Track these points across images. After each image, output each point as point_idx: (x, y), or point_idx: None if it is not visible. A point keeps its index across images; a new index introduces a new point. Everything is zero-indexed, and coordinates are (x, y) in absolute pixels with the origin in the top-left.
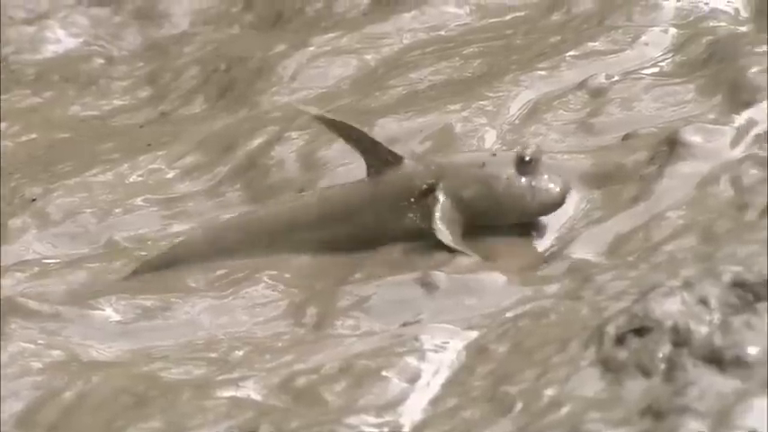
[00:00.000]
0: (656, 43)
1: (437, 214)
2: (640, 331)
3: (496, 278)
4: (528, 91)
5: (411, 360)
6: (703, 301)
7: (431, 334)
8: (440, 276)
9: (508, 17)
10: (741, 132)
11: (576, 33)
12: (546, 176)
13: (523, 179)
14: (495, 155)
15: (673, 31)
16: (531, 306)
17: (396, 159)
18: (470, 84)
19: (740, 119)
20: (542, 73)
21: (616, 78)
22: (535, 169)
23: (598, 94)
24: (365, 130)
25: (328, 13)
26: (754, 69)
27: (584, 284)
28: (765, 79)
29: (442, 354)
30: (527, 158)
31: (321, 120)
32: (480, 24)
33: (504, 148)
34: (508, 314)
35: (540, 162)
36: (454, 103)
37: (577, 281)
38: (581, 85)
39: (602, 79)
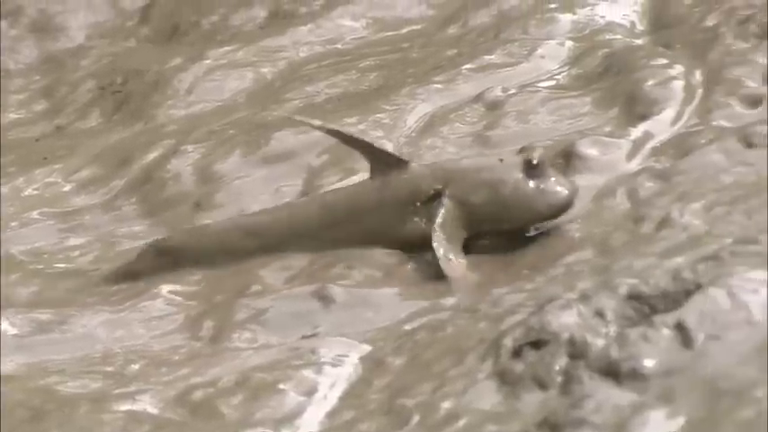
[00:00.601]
0: (552, 56)
1: (439, 220)
2: (537, 344)
3: (394, 291)
4: (424, 104)
5: (308, 373)
6: (600, 314)
7: (328, 347)
8: (337, 290)
9: (404, 30)
10: (637, 145)
11: (472, 47)
12: (553, 179)
13: (531, 182)
14: (501, 159)
15: (569, 44)
16: (428, 319)
17: (401, 164)
18: (367, 97)
19: (636, 131)
20: (438, 86)
21: (512, 91)
22: (543, 172)
23: (494, 107)
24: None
25: (224, 27)
26: (650, 82)
27: (482, 298)
28: (661, 92)
29: (339, 367)
30: (534, 162)
31: (322, 129)
32: (376, 38)
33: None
34: (405, 327)
35: (547, 165)
36: (351, 116)
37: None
38: (477, 98)
39: (498, 92)
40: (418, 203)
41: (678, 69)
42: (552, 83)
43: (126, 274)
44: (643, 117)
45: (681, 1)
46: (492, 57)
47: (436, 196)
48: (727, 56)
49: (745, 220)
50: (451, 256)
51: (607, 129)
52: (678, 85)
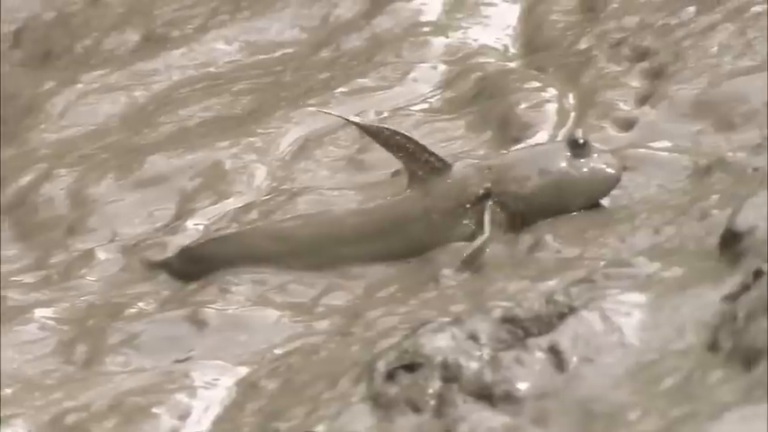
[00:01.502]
0: (425, 80)
1: (487, 218)
2: (410, 367)
3: (267, 314)
4: (298, 127)
5: (181, 397)
6: (473, 337)
7: (201, 371)
8: (210, 313)
9: (278, 54)
10: None
11: (345, 70)
12: (597, 155)
13: (582, 162)
14: (544, 146)
15: (442, 67)
16: (302, 343)
17: (445, 166)
18: (240, 120)
19: None
20: (312, 110)
21: (385, 115)
22: (590, 150)
23: None
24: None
25: (97, 51)
26: (523, 105)
27: (355, 320)
28: (534, 115)
29: (212, 390)
30: (581, 140)
31: (363, 128)
32: (250, 61)
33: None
34: (279, 351)
35: (591, 143)
36: (224, 140)
37: (348, 317)
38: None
39: (371, 116)
40: (468, 205)
41: (551, 92)
42: (425, 106)
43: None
44: (516, 140)
45: (553, 24)
46: (365, 80)
47: (486, 196)
48: (600, 79)
49: (618, 242)
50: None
51: (481, 152)
52: (551, 108)
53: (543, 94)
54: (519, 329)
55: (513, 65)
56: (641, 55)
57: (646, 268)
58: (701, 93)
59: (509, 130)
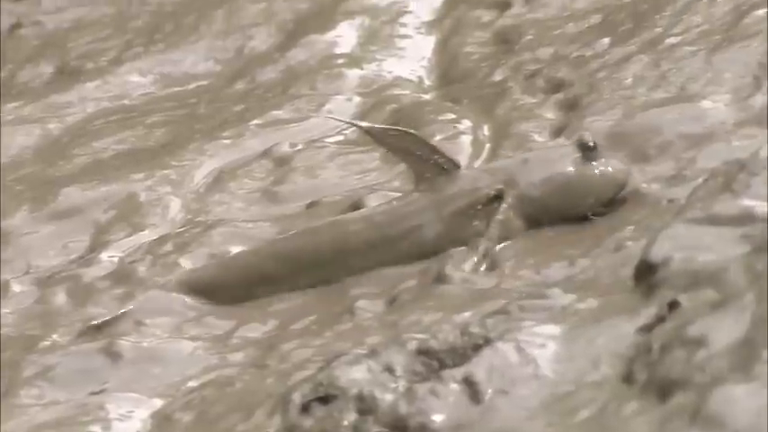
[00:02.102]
0: (340, 112)
1: (499, 216)
2: (325, 399)
3: (182, 347)
4: (212, 159)
5: (96, 429)
6: (389, 369)
7: (116, 403)
8: (125, 345)
9: (192, 86)
10: None
11: (259, 102)
12: (605, 159)
13: (592, 165)
14: (554, 149)
15: (357, 99)
16: (216, 375)
17: (454, 166)
18: (155, 153)
19: None
20: (226, 142)
21: (300, 147)
22: (599, 153)
23: (282, 162)
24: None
25: (12, 83)
26: (437, 137)
27: (270, 353)
28: (449, 147)
29: (127, 423)
30: (591, 143)
31: (368, 132)
32: (164, 93)
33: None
34: (193, 383)
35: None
36: (138, 172)
37: (263, 349)
38: (265, 154)
39: (286, 147)
40: (479, 207)
41: (466, 124)
42: (340, 138)
43: None
44: None
45: (468, 56)
46: (280, 112)
47: (498, 197)
48: (515, 110)
49: (533, 274)
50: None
51: (395, 184)
52: (466, 139)
53: (458, 125)
54: (434, 361)
55: (427, 96)
56: (556, 86)
57: (561, 300)
58: (616, 124)
59: None
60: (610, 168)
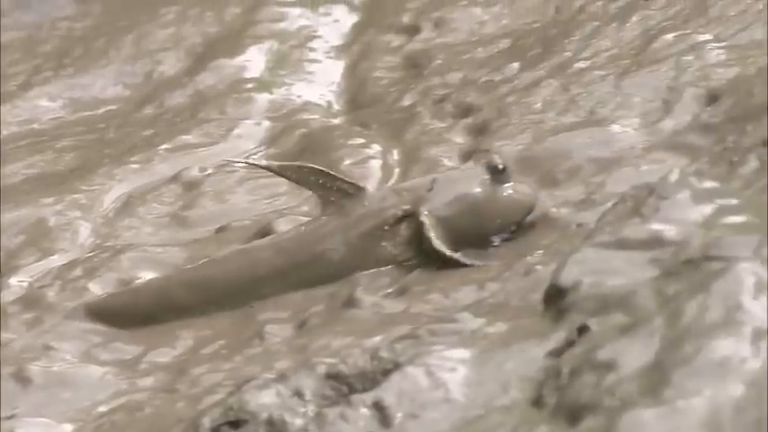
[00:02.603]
0: (249, 136)
1: (431, 233)
2: (235, 424)
3: (91, 371)
4: (121, 184)
5: None
6: (298, 393)
7: (26, 428)
8: (35, 370)
9: (101, 111)
10: None
11: (168, 126)
12: (513, 182)
13: (500, 187)
14: (463, 170)
15: (266, 123)
16: (126, 399)
17: (358, 190)
18: (64, 177)
19: None
20: (135, 166)
21: (209, 171)
22: (509, 176)
23: (191, 186)
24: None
25: None
26: (347, 161)
27: (180, 377)
28: (358, 171)
29: None
30: (500, 166)
31: (269, 169)
32: (73, 118)
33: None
34: (103, 408)
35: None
36: (48, 197)
37: (173, 374)
38: (174, 178)
39: (195, 172)
40: (386, 227)
41: (375, 149)
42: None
43: None
44: None
45: (377, 81)
46: (189, 137)
47: (404, 218)
48: (424, 135)
49: (442, 298)
50: (461, 258)
51: (304, 208)
52: (375, 164)
53: (367, 150)
54: (344, 386)
55: (337, 121)
56: (465, 111)
57: (470, 324)
58: (525, 149)
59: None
60: (518, 192)
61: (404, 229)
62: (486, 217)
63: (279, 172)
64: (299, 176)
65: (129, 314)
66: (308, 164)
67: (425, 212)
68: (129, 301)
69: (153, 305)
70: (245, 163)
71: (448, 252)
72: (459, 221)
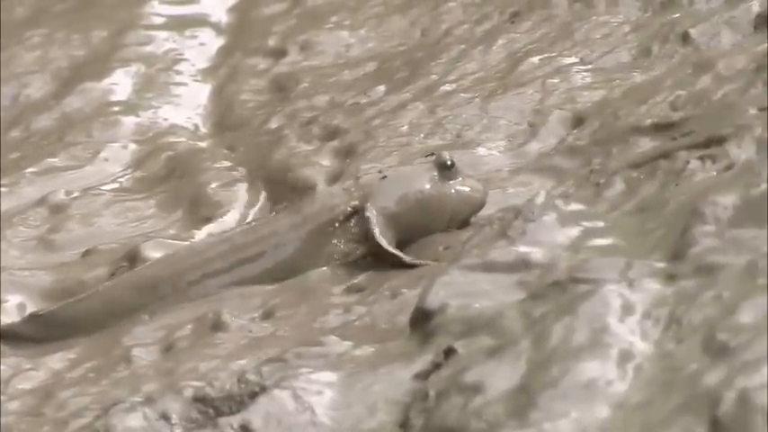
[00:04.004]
0: (115, 159)
1: (375, 229)
2: None
3: None
4: None
5: None
6: (165, 417)
7: None
8: None
9: None
10: None
11: (35, 150)
12: (463, 178)
13: (449, 183)
14: (412, 166)
15: (133, 146)
16: None
17: (308, 187)
18: None
19: (201, 234)
20: (2, 189)
21: (76, 194)
22: (457, 172)
23: (58, 210)
24: None
25: None
26: (213, 185)
27: (46, 401)
28: (225, 194)
29: None
30: (449, 162)
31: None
32: None
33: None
34: None
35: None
36: None
37: (39, 397)
38: (41, 202)
39: (61, 195)
40: (337, 224)
41: (242, 171)
42: (116, 186)
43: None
44: (207, 219)
45: (244, 104)
46: (55, 160)
47: (353, 214)
48: (291, 158)
49: (309, 321)
50: (405, 257)
51: (171, 231)
52: (242, 186)
53: (234, 173)
54: (210, 409)
55: (203, 144)
56: (332, 134)
57: (337, 347)
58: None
59: (200, 209)
60: (467, 187)
61: (353, 226)
62: (436, 212)
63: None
64: None
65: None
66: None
67: (370, 207)
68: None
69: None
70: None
71: (390, 249)
72: (407, 217)
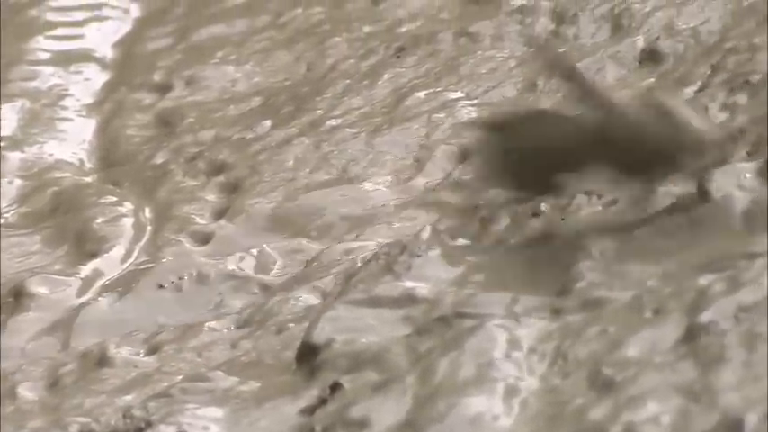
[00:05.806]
0: (1, 195)
1: None
2: None
3: None
4: None
5: None
6: None
7: None
8: None
9: None
10: (87, 282)
11: None
12: None
13: None
14: None
15: (18, 182)
16: None
17: None
18: None
19: (86, 269)
20: None
21: None
22: None
23: None
24: None
25: None
26: (99, 220)
27: None
28: (110, 230)
29: None
30: None
31: None
32: None
33: None
34: None
35: None
36: None
37: None
38: None
39: None
40: None
41: (127, 207)
42: (1, 221)
43: None
44: (93, 255)
45: (129, 139)
46: None
47: None
48: (177, 193)
49: (195, 356)
50: None
51: (57, 267)
52: (128, 222)
53: (119, 208)
54: None
55: (89, 179)
56: (217, 169)
57: (223, 382)
58: (278, 206)
59: (85, 244)
60: None
61: None
62: None
63: None
64: None
65: None
66: None
67: None
68: None
69: None
70: None
71: None
72: None
